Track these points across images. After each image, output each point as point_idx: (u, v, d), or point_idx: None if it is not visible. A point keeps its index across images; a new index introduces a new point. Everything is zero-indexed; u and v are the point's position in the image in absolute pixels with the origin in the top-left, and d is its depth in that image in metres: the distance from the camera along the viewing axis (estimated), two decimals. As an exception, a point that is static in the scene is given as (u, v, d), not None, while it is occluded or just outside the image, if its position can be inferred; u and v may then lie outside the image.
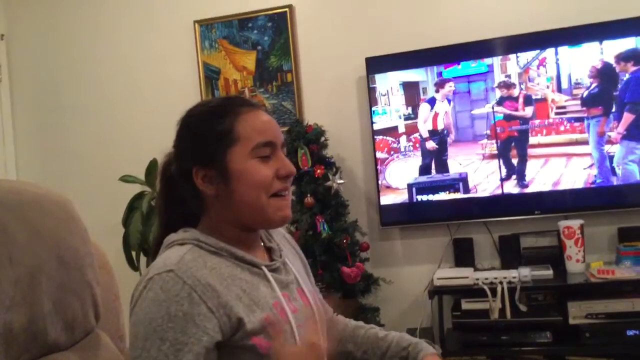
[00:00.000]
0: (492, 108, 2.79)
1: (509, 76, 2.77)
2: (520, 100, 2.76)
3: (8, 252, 1.00)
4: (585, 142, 2.69)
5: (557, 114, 2.73)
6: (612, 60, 2.65)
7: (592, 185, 2.70)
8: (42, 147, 3.48)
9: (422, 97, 2.86)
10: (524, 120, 2.76)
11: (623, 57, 2.64)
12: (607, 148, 2.67)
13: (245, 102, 1.09)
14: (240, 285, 1.00)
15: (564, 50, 2.72)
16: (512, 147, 2.78)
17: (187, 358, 0.90)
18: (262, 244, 1.16)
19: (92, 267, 1.20)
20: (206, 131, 1.05)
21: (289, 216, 1.08)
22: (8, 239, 1.01)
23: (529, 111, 2.75)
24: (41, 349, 1.06)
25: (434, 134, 2.85)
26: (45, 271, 1.07)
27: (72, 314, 1.13)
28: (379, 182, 2.90)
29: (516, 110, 2.76)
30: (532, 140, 2.75)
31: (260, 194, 1.03)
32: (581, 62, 2.70)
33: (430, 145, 2.85)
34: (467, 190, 2.82)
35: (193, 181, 1.05)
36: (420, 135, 2.86)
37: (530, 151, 2.76)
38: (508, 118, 2.78)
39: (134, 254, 2.91)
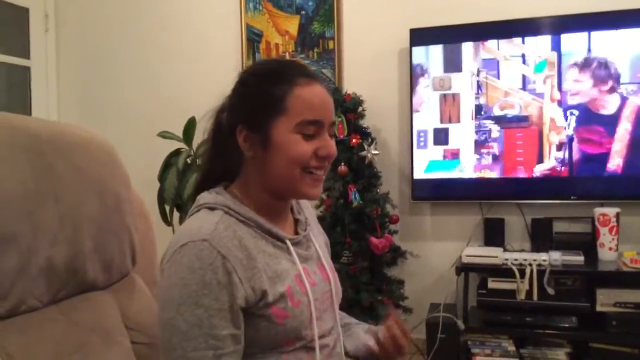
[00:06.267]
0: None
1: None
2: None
3: (54, 190, 1.04)
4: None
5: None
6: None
7: (631, 174, 2.64)
8: (84, 99, 3.55)
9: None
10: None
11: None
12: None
13: (303, 72, 1.06)
14: (264, 258, 1.02)
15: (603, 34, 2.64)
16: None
17: (220, 323, 0.94)
18: (291, 214, 1.17)
19: (132, 213, 1.23)
20: (259, 94, 1.05)
21: (317, 195, 1.09)
22: (54, 178, 1.05)
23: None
24: (80, 286, 1.11)
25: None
26: (87, 212, 1.10)
27: (110, 256, 1.17)
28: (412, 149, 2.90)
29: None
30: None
31: (294, 169, 1.03)
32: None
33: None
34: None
35: (236, 136, 1.06)
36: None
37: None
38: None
39: (167, 209, 2.96)
